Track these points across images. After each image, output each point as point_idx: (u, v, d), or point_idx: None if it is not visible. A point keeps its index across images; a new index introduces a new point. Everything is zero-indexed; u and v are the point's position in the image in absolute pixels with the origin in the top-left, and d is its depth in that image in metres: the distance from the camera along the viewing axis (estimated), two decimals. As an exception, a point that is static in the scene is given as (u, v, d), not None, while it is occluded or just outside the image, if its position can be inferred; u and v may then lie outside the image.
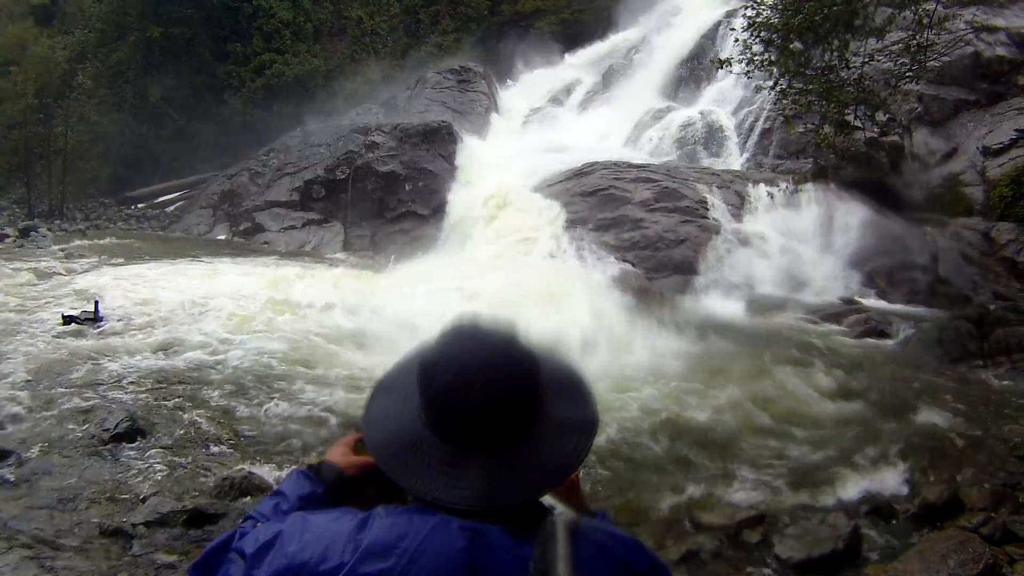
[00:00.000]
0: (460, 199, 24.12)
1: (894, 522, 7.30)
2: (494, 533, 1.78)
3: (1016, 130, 21.57)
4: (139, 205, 34.02)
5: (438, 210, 24.19)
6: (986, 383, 12.06)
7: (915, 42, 15.77)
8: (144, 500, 7.04)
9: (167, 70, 38.52)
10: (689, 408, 10.15)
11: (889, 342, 14.63)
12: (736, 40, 15.17)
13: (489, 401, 1.82)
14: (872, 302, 18.22)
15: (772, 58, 14.88)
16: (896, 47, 16.44)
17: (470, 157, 25.92)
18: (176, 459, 8.13)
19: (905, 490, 7.93)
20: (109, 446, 8.23)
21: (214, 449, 8.55)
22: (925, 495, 7.32)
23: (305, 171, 26.66)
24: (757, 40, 14.81)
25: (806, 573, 6.35)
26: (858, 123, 18.75)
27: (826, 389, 11.14)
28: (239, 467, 7.92)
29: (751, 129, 25.98)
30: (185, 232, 27.62)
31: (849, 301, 17.86)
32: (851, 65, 15.58)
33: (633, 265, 19.49)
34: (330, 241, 24.49)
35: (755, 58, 15.58)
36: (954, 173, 22.05)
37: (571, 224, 21.15)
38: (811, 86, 15.69)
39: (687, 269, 19.56)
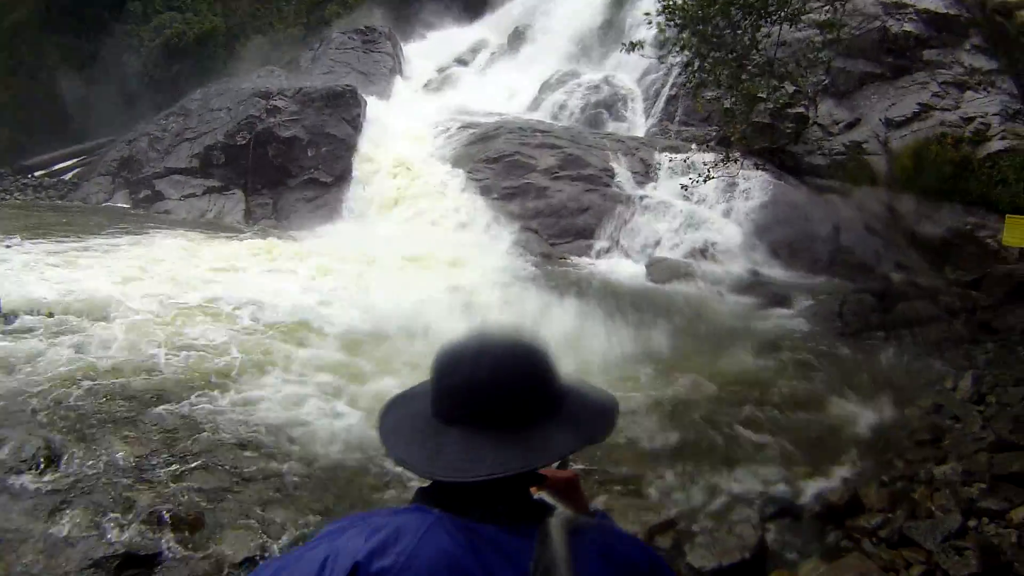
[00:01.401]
0: (365, 166, 23.30)
1: (798, 523, 7.23)
2: (489, 531, 1.81)
3: (919, 103, 21.59)
4: (36, 174, 32.29)
5: (342, 177, 23.16)
6: (887, 358, 11.88)
7: (827, 20, 15.49)
8: (73, 544, 6.19)
9: (65, 30, 36.93)
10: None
11: (790, 312, 14.55)
12: (649, 22, 14.68)
13: (496, 377, 1.91)
14: (774, 272, 18.19)
15: (685, 42, 14.49)
16: (810, 30, 16.14)
17: (375, 121, 24.99)
18: (100, 489, 6.99)
19: (808, 486, 7.81)
20: (24, 477, 7.06)
21: (143, 473, 7.39)
22: (827, 496, 7.37)
23: (205, 136, 25.38)
24: (671, 25, 14.40)
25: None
26: (764, 95, 18.53)
27: (727, 367, 10.97)
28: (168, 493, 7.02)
29: (657, 95, 25.69)
30: (83, 201, 26.07)
31: (752, 271, 17.76)
32: (762, 48, 15.29)
33: (536, 232, 19.38)
34: (231, 209, 23.42)
35: (669, 41, 15.19)
36: (857, 142, 22.02)
37: (477, 192, 20.89)
38: (722, 67, 15.37)
39: (590, 234, 19.58)
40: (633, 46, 15.12)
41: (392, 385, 8.69)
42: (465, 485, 1.87)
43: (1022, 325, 11.99)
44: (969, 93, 21.42)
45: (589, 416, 2.02)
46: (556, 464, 2.23)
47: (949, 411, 9.54)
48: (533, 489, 2.08)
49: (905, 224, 19.82)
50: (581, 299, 13.72)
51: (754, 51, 14.75)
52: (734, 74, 15.41)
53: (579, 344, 11.17)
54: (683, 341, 11.85)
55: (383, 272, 14.94)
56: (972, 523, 6.96)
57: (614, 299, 14.00)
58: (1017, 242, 15.08)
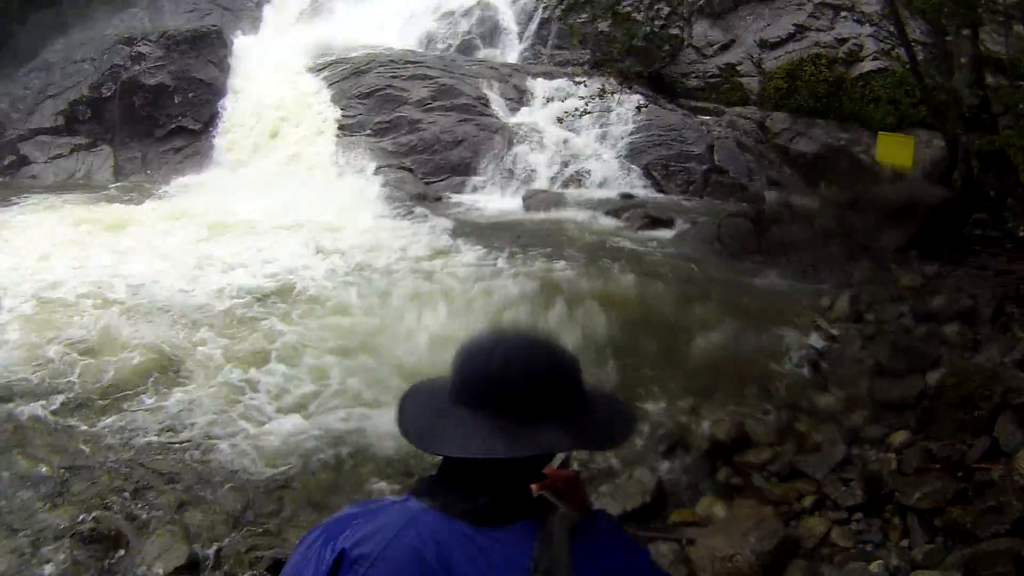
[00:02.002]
0: (233, 109, 21.44)
1: (689, 460, 7.11)
2: (465, 527, 1.79)
3: (794, 24, 21.50)
4: None
5: (210, 123, 21.25)
6: (765, 281, 11.57)
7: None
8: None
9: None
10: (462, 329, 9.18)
11: (669, 235, 14.11)
12: None
13: (510, 366, 1.90)
14: (650, 194, 17.77)
15: None
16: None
17: (243, 61, 23.09)
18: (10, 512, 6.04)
19: (696, 422, 7.58)
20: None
21: (55, 490, 6.37)
22: (714, 432, 7.23)
23: (69, 91, 23.11)
24: None
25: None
26: (638, 16, 18.27)
27: (610, 295, 10.47)
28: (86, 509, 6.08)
29: (530, 19, 24.71)
30: (-56, 171, 24.11)
31: (627, 195, 17.24)
32: None
33: (411, 171, 18.46)
34: (100, 167, 21.57)
35: None
36: (731, 64, 21.82)
37: (349, 131, 19.72)
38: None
39: (465, 170, 18.77)
40: None
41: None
42: (459, 477, 1.90)
43: (896, 243, 11.76)
44: (844, 14, 21.24)
45: (596, 424, 1.99)
46: (557, 464, 2.21)
47: (828, 332, 9.38)
48: (534, 488, 2.00)
49: (778, 142, 19.77)
50: (458, 239, 13.10)
51: None
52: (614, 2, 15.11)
53: (457, 289, 10.67)
54: (564, 272, 11.24)
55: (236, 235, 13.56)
56: (855, 451, 6.96)
57: (492, 236, 13.36)
58: (889, 158, 15.15)
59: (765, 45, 21.68)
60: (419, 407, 2.02)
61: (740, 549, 5.64)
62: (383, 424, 7.00)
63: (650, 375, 8.45)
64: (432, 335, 9.02)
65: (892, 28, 16.88)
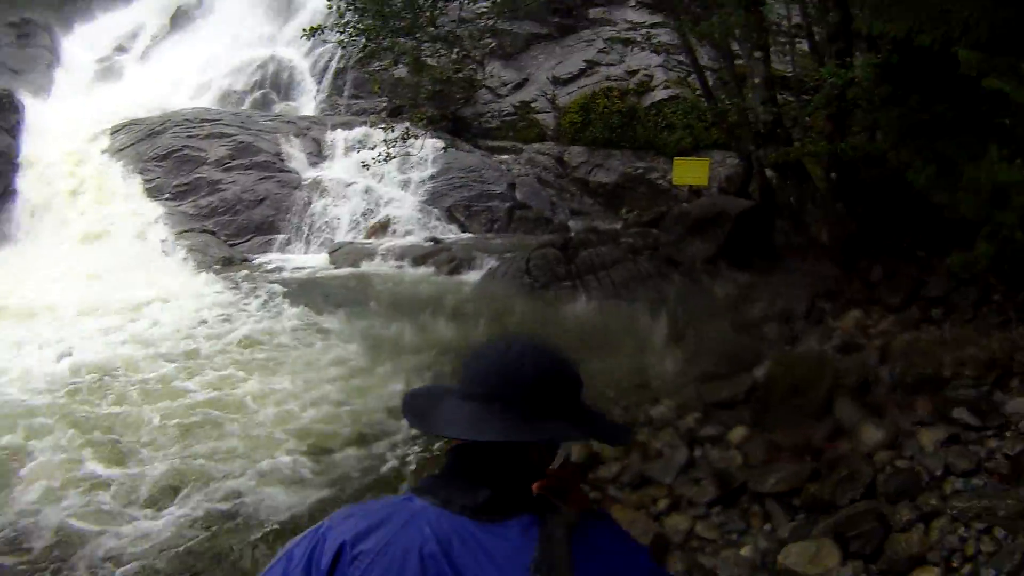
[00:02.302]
0: (29, 179, 19.63)
1: None
2: (468, 524, 1.78)
3: (585, 60, 21.90)
4: None
5: (4, 195, 20.37)
6: (581, 306, 11.54)
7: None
8: None
9: None
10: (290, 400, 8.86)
11: (479, 274, 13.84)
12: (330, 7, 13.98)
13: (522, 363, 1.94)
14: (456, 236, 17.54)
15: (367, 27, 13.85)
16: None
17: (36, 126, 21.45)
18: None
19: None
20: None
21: None
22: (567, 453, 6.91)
23: None
24: (351, 8, 13.74)
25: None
26: (433, 61, 18.23)
27: (430, 343, 10.20)
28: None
29: (325, 69, 24.44)
30: None
31: (433, 239, 16.86)
32: (439, 25, 14.98)
33: (214, 233, 17.64)
34: None
35: (349, 26, 14.44)
36: (526, 102, 21.97)
37: (148, 196, 18.66)
38: (400, 41, 14.86)
39: (269, 229, 18.06)
40: (314, 31, 14.43)
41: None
42: (461, 473, 1.90)
43: (702, 254, 11.78)
44: (633, 48, 21.75)
45: (599, 424, 2.08)
46: (557, 464, 2.09)
47: (652, 350, 9.39)
48: (534, 487, 1.92)
49: (578, 175, 19.98)
50: (272, 301, 12.56)
51: (432, 27, 14.51)
52: (413, 49, 15.07)
53: (284, 353, 10.27)
54: (383, 327, 10.96)
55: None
56: (698, 452, 7.13)
57: (305, 295, 12.85)
58: (686, 180, 15.44)
59: (558, 82, 21.98)
60: (426, 402, 2.06)
61: None
62: (255, 499, 6.71)
63: None
64: (276, 401, 8.69)
65: (681, 58, 17.30)
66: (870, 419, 6.89)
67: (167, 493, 6.98)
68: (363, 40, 14.26)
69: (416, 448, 7.76)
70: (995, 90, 6.79)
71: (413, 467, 7.42)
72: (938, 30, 7.68)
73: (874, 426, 6.78)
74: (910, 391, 7.15)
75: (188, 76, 25.60)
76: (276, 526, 6.40)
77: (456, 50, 17.68)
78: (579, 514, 1.88)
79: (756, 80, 10.73)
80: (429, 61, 18.09)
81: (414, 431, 7.79)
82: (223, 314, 12.06)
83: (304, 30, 14.63)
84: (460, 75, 21.63)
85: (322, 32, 14.50)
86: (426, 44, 15.71)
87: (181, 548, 6.19)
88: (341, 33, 14.34)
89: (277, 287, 13.40)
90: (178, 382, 9.44)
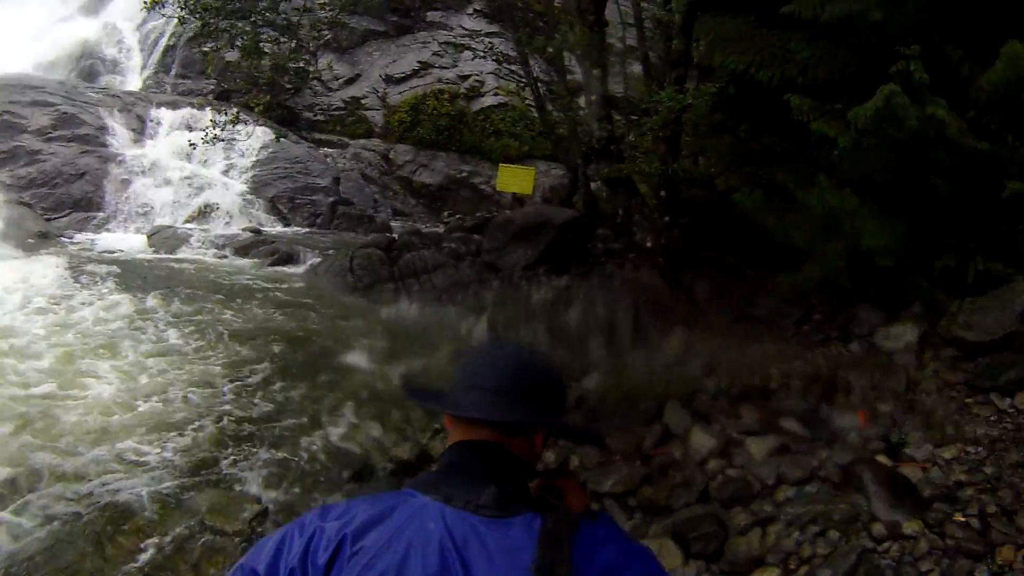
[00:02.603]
0: None
1: (376, 484, 6.99)
2: (471, 519, 1.76)
3: (419, 61, 21.79)
4: None
5: None
6: (401, 309, 11.37)
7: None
8: None
9: None
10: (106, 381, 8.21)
11: (301, 271, 13.49)
12: None
13: (517, 359, 2.07)
14: (278, 228, 17.11)
15: (206, 2, 13.25)
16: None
17: None
18: None
19: (378, 447, 7.50)
20: None
21: None
22: (398, 453, 7.30)
23: None
24: None
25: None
26: (269, 48, 17.67)
27: (254, 334, 9.77)
28: None
29: (155, 45, 23.35)
30: None
31: (254, 230, 16.38)
32: (280, 11, 14.54)
33: (30, 206, 16.31)
34: None
35: (190, 1, 13.76)
36: (356, 97, 21.68)
37: None
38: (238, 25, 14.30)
39: (88, 205, 17.00)
40: (155, 3, 13.79)
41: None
42: (460, 470, 1.90)
43: (523, 261, 11.83)
44: (467, 53, 21.68)
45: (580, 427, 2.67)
46: (555, 464, 2.44)
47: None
48: (533, 488, 2.02)
49: (402, 174, 19.81)
50: (93, 284, 11.44)
51: (272, 13, 14.10)
52: (250, 33, 14.59)
53: (107, 338, 9.41)
54: (202, 311, 10.44)
55: None
56: None
57: (126, 279, 11.88)
58: (510, 187, 15.28)
59: (390, 80, 21.76)
60: (427, 392, 2.13)
61: None
62: (100, 488, 6.23)
63: (314, 407, 8.01)
64: (111, 388, 8.07)
65: (514, 67, 17.26)
66: (699, 426, 7.08)
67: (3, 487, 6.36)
68: (201, 17, 13.69)
69: (250, 428, 7.52)
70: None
71: (252, 449, 7.14)
72: (777, 68, 8.10)
73: (704, 433, 6.96)
74: (737, 401, 7.39)
75: (13, 42, 24.05)
76: (124, 513, 6.01)
77: (293, 39, 17.24)
78: (579, 514, 1.87)
79: (593, 97, 10.83)
80: (265, 47, 17.56)
81: (243, 412, 7.75)
82: (42, 295, 11.03)
83: (144, 1, 13.88)
84: (293, 65, 21.13)
85: (163, 6, 13.88)
86: (264, 29, 15.20)
87: (27, 544, 5.68)
88: (182, 8, 13.73)
89: (96, 267, 12.52)
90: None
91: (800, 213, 7.68)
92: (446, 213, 18.69)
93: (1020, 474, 6.06)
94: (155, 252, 14.94)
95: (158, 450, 6.93)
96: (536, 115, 15.90)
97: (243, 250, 14.74)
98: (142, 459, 6.77)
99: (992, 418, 6.61)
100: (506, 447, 1.95)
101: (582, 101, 12.49)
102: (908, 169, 7.22)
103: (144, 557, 5.60)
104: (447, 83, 20.85)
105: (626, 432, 7.21)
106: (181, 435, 7.22)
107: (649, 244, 9.90)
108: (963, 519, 5.66)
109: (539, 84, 14.56)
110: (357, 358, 9.19)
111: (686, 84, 9.84)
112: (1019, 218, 7.08)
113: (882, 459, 6.32)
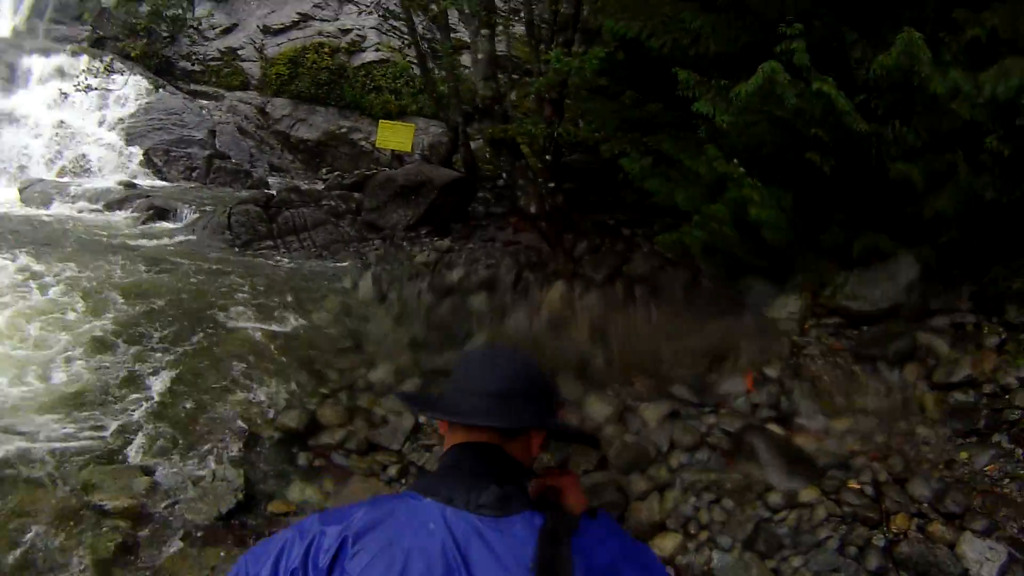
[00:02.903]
0: None
1: (265, 452, 6.60)
2: (472, 520, 1.76)
3: (299, 13, 21.10)
4: None
5: None
6: (285, 267, 10.91)
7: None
8: None
9: None
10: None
11: (178, 226, 12.83)
12: None
13: (512, 363, 2.08)
14: (153, 182, 16.25)
15: None
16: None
17: None
18: None
19: (263, 414, 7.01)
20: None
21: None
22: (285, 421, 6.85)
23: None
24: None
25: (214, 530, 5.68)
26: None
27: (130, 290, 9.01)
28: None
29: (27, -14, 21.94)
30: None
31: (129, 183, 15.44)
32: None
33: None
34: None
35: None
36: (232, 48, 20.96)
37: None
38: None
39: None
40: None
41: None
42: (460, 471, 1.89)
43: (404, 221, 11.79)
44: (348, 7, 21.11)
45: (570, 426, 2.64)
46: (555, 465, 2.60)
47: (358, 313, 9.09)
48: (533, 489, 2.00)
49: (280, 128, 19.22)
50: None
51: None
52: None
53: None
54: (71, 274, 9.67)
55: None
56: (423, 420, 6.86)
57: None
58: (389, 144, 15.10)
59: (268, 31, 21.01)
60: (423, 399, 2.33)
61: None
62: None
63: (197, 372, 7.48)
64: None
65: (395, 22, 16.85)
66: (595, 394, 6.96)
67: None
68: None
69: (134, 395, 6.99)
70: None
71: (136, 417, 6.64)
72: (668, 37, 7.98)
73: (600, 400, 6.87)
74: (629, 369, 7.27)
75: None
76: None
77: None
78: (579, 513, 1.89)
79: (480, 56, 10.57)
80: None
81: (125, 378, 7.21)
82: None
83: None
84: (171, 12, 20.27)
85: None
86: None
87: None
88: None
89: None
90: None
91: (686, 179, 7.68)
92: (324, 170, 18.20)
93: (910, 443, 6.24)
94: (26, 207, 14.01)
95: (36, 420, 6.45)
96: (418, 72, 15.54)
97: (118, 204, 13.94)
98: (18, 431, 6.26)
99: (881, 388, 6.76)
100: (505, 449, 1.94)
101: (466, 59, 12.33)
102: (793, 145, 7.20)
103: (27, 538, 5.17)
104: (328, 36, 20.22)
105: None
106: (60, 404, 6.72)
107: (533, 209, 9.71)
108: (858, 486, 5.78)
109: (422, 41, 14.22)
110: (240, 317, 8.70)
111: (573, 47, 9.72)
112: (905, 196, 7.20)
113: (774, 428, 6.39)
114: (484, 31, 10.45)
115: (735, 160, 7.06)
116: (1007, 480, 6.08)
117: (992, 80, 6.17)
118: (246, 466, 6.26)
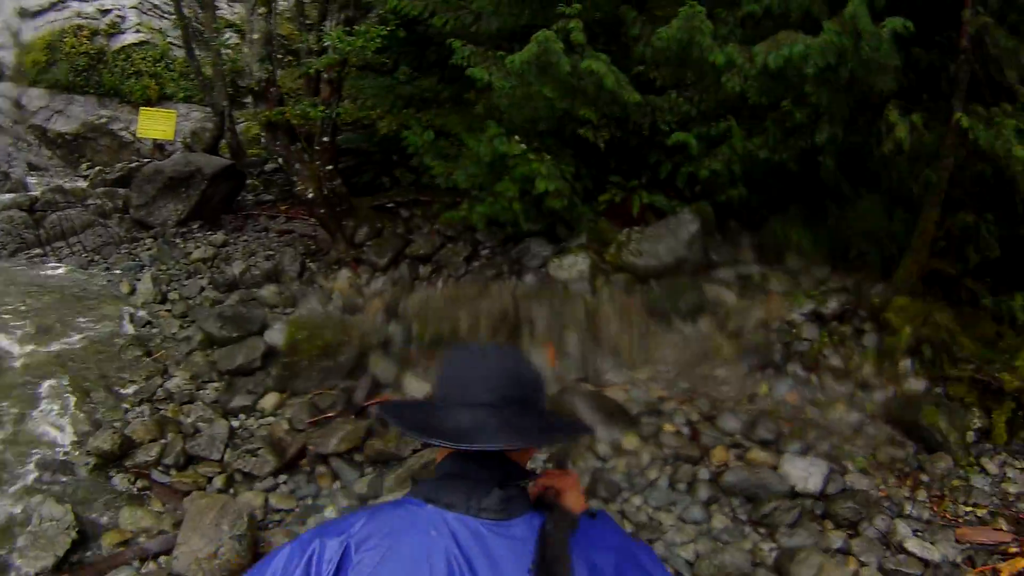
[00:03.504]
0: None
1: (81, 480, 6.03)
2: (473, 524, 1.72)
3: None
4: None
5: None
6: (55, 276, 9.87)
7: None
8: None
9: None
10: None
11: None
12: None
13: (503, 364, 1.96)
14: None
15: None
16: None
17: None
18: None
19: (74, 442, 6.43)
20: None
21: None
22: (97, 444, 6.24)
23: None
24: None
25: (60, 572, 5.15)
26: None
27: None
28: None
29: None
30: None
31: None
32: None
33: None
34: None
35: None
36: (-16, 36, 19.24)
37: None
38: None
39: None
40: None
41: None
42: (460, 476, 1.83)
43: (175, 217, 11.08)
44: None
45: (566, 423, 2.40)
46: (554, 465, 2.47)
47: (141, 317, 8.53)
48: (532, 490, 1.92)
49: (36, 122, 17.57)
50: None
51: None
52: None
53: None
54: None
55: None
56: (236, 423, 6.74)
57: None
58: (151, 133, 14.14)
59: (25, 14, 19.04)
60: (415, 413, 2.03)
61: (219, 541, 5.09)
62: None
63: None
64: None
65: (158, 1, 16.03)
66: (410, 372, 6.99)
67: None
68: None
69: None
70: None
71: None
72: (452, 15, 8.24)
73: (416, 378, 6.87)
74: (431, 348, 7.27)
75: None
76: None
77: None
78: (578, 514, 1.85)
79: (255, 36, 10.17)
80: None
81: None
82: None
83: None
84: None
85: None
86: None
87: None
88: None
89: None
90: None
91: (468, 158, 7.74)
92: (85, 165, 16.86)
93: (712, 383, 6.81)
94: None
95: None
96: (179, 55, 14.90)
97: None
98: None
99: (678, 340, 7.18)
100: (505, 453, 1.88)
101: (235, 40, 11.91)
102: (569, 120, 7.55)
103: None
104: (87, 18, 18.68)
105: (332, 387, 6.95)
106: None
107: (311, 195, 9.33)
108: (673, 428, 6.30)
109: (188, 21, 13.47)
110: (24, 339, 7.86)
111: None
112: (683, 159, 7.79)
113: (586, 386, 6.72)
114: (261, 9, 10.06)
115: (516, 137, 7.27)
116: (809, 406, 6.75)
117: (764, 52, 6.55)
118: (69, 501, 5.67)
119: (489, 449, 1.82)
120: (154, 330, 8.18)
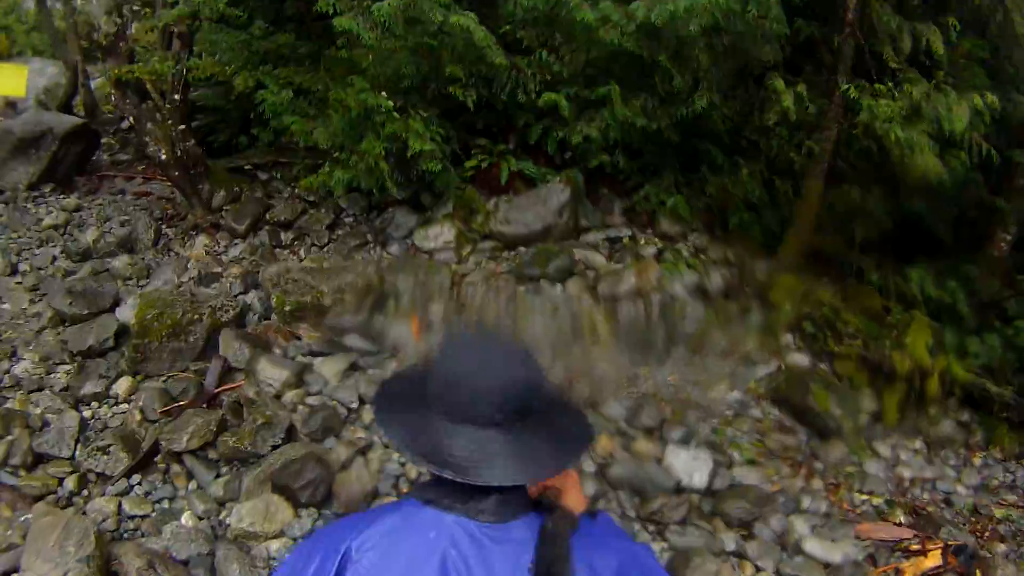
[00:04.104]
0: None
1: None
2: (472, 526, 1.70)
3: None
4: None
5: None
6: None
7: None
8: None
9: None
10: None
11: None
12: None
13: (511, 375, 1.81)
14: None
15: None
16: None
17: None
18: None
19: None
20: None
21: None
22: None
23: None
24: None
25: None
26: None
27: None
28: None
29: None
30: None
31: None
32: None
33: None
34: None
35: None
36: None
37: None
38: None
39: None
40: None
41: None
42: (457, 485, 1.71)
43: (26, 180, 10.15)
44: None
45: (576, 428, 1.97)
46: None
47: None
48: (532, 490, 1.88)
49: None
50: None
51: None
52: None
53: None
54: None
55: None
56: (87, 413, 6.00)
57: None
58: (1, 90, 12.93)
59: None
60: (409, 423, 1.82)
61: (65, 566, 4.45)
62: None
63: None
64: None
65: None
66: (264, 356, 6.44)
67: None
68: None
69: None
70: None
71: None
72: None
73: (271, 363, 6.35)
74: (292, 321, 6.93)
75: None
76: None
77: None
78: (578, 514, 1.81)
79: None
80: None
81: None
82: None
83: None
84: None
85: None
86: None
87: None
88: None
89: None
90: None
91: (332, 114, 7.29)
92: None
93: (587, 362, 6.61)
94: None
95: None
96: (31, 6, 14.05)
97: None
98: None
99: (547, 306, 6.91)
100: None
101: None
102: (436, 78, 7.33)
103: None
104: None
105: (182, 370, 6.32)
106: None
107: (164, 156, 8.69)
108: None
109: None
110: None
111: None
112: (550, 122, 7.62)
113: None
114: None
115: (383, 93, 6.94)
116: (689, 386, 6.66)
117: (645, 7, 6.42)
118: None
119: (490, 484, 1.71)
120: (4, 305, 7.42)
